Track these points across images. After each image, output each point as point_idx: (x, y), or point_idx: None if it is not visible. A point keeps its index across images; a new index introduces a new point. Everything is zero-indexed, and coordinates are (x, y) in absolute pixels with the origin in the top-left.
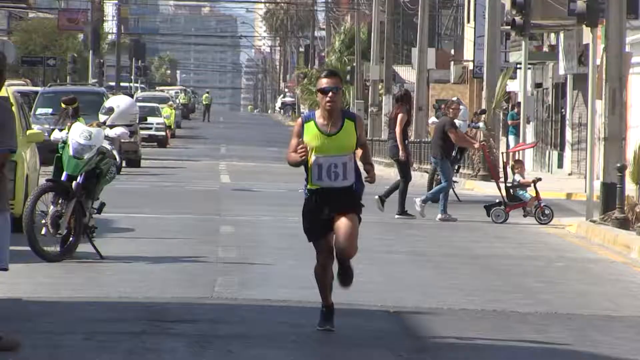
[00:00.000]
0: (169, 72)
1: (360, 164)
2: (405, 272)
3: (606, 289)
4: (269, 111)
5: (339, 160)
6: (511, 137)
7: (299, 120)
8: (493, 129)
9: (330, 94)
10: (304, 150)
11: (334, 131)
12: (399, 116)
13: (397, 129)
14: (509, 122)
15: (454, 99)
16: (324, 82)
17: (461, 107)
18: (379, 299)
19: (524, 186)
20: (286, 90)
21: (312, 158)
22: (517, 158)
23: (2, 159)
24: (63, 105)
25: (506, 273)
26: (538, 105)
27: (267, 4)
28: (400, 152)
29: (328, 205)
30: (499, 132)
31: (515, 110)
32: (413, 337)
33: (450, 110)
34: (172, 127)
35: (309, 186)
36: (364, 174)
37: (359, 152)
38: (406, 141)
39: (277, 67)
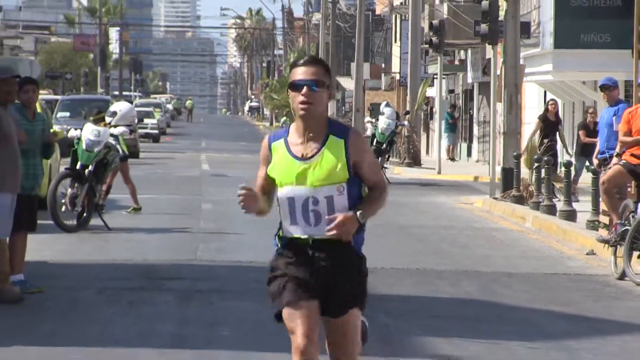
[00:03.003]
0: (160, 83)
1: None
2: None
3: (506, 252)
4: (239, 113)
5: (321, 193)
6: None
7: (265, 141)
8: (415, 126)
9: (304, 90)
10: (246, 195)
11: (310, 154)
12: None
13: None
14: (450, 120)
15: (384, 102)
16: (298, 73)
17: (389, 108)
18: None
19: None
20: (252, 96)
21: (281, 190)
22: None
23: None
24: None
25: (426, 239)
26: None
27: (237, 29)
28: None
29: (311, 273)
30: (420, 128)
31: (449, 111)
32: None
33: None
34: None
35: (280, 234)
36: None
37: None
38: None
39: (245, 78)
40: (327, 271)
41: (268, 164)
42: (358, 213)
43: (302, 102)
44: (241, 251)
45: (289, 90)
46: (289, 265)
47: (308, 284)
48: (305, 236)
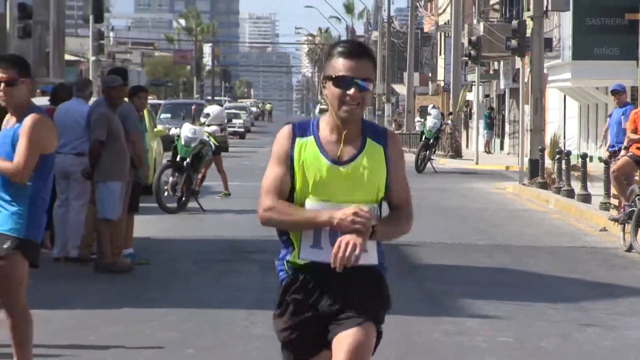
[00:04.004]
0: (245, 90)
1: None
2: None
3: (533, 229)
4: (311, 115)
5: None
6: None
7: (285, 130)
8: (457, 124)
9: (352, 91)
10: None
11: (346, 158)
12: None
13: None
14: (488, 120)
15: (431, 105)
16: (345, 66)
17: (435, 110)
18: None
19: None
20: (322, 100)
21: (306, 205)
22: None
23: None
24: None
25: (465, 219)
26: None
27: (309, 45)
28: None
29: (325, 298)
30: (460, 126)
31: (488, 111)
32: (405, 261)
33: None
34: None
35: (291, 259)
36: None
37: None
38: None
39: (316, 85)
40: (348, 291)
41: (288, 162)
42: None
43: (348, 104)
44: None
45: (331, 86)
46: (301, 302)
47: (317, 333)
48: (329, 262)
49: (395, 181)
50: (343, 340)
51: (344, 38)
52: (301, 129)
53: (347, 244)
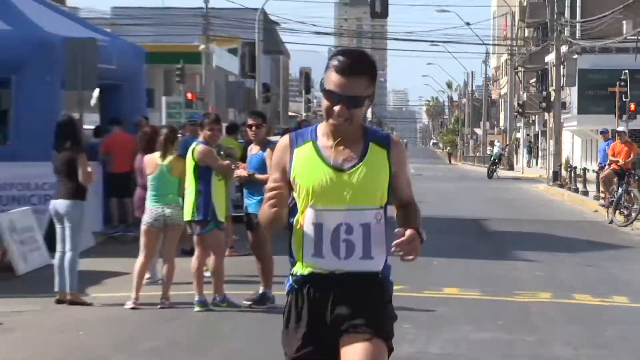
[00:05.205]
0: (391, 132)
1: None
2: (467, 207)
3: (555, 210)
4: (426, 145)
5: (356, 219)
6: (528, 154)
7: (285, 140)
8: (511, 151)
9: (339, 107)
10: (276, 195)
11: (348, 164)
12: None
13: None
14: (529, 148)
15: (496, 140)
16: (336, 81)
17: (499, 143)
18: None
19: None
20: (433, 137)
21: (306, 213)
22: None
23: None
24: None
25: (515, 204)
26: (527, 142)
27: (426, 106)
28: None
29: (330, 309)
30: (513, 152)
31: (529, 143)
32: (482, 229)
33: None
34: None
35: (295, 269)
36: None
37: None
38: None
39: (431, 130)
40: (352, 303)
41: (285, 169)
42: (420, 230)
43: (335, 118)
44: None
45: (323, 98)
46: (304, 315)
47: (324, 346)
48: (335, 270)
49: (402, 180)
50: (353, 356)
51: (346, 48)
52: (299, 137)
53: (415, 246)
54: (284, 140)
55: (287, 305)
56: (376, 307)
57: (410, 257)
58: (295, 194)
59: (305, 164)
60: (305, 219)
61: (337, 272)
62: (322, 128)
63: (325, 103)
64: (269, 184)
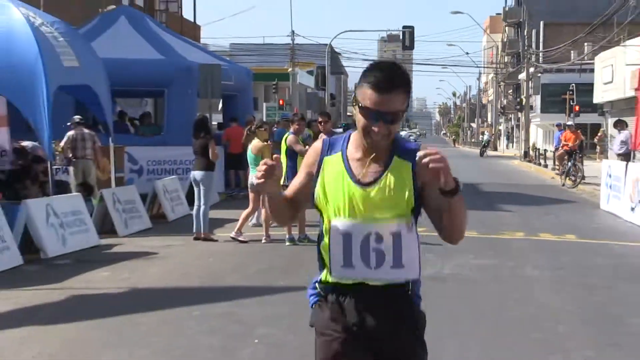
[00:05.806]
0: (412, 126)
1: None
2: (466, 175)
3: (526, 177)
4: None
5: (386, 229)
6: (507, 140)
7: (318, 145)
8: (495, 138)
9: (379, 124)
10: (268, 169)
11: (371, 178)
12: None
13: None
14: (508, 136)
15: (486, 131)
16: (376, 100)
17: (487, 132)
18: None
19: None
20: (444, 131)
21: (333, 223)
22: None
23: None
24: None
25: (498, 172)
26: (507, 132)
27: (439, 110)
28: None
29: (359, 325)
30: (497, 139)
31: (507, 133)
32: (474, 190)
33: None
34: None
35: (323, 278)
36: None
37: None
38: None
39: (441, 125)
40: (381, 321)
41: (311, 173)
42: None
43: (374, 136)
44: None
45: (358, 112)
46: (329, 333)
47: (352, 352)
48: (363, 280)
49: (434, 187)
50: None
51: (378, 60)
52: (332, 146)
53: (442, 157)
54: (316, 145)
55: (312, 314)
56: (409, 323)
57: (440, 165)
58: (320, 202)
59: (332, 175)
60: (332, 229)
61: (361, 284)
62: (354, 140)
63: (361, 120)
64: (291, 186)
